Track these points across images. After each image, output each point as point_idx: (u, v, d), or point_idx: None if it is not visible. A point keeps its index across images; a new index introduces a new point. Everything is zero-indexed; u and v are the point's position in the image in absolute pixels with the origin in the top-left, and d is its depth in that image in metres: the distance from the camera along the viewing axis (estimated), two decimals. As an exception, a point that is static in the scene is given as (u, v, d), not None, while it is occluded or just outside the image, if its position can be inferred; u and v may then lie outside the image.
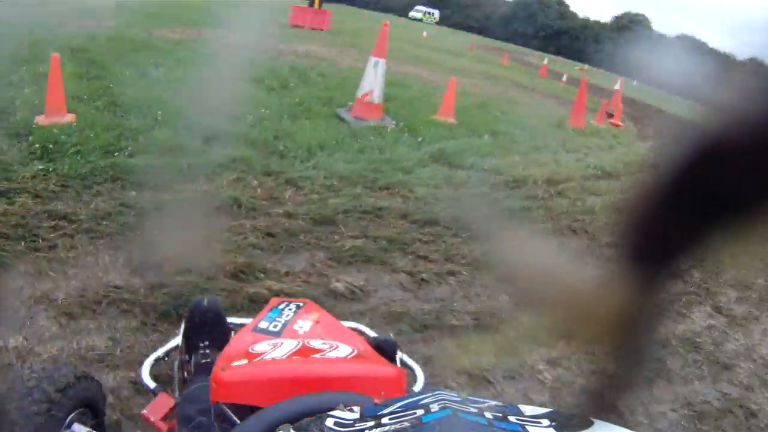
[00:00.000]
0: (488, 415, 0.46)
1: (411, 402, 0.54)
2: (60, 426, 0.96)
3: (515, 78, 14.88)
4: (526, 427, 0.44)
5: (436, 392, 0.54)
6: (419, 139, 5.17)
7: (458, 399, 0.51)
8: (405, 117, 5.88)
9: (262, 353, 0.88)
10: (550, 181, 4.82)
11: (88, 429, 1.03)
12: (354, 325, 1.34)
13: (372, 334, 1.30)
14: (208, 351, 1.17)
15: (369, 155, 4.47)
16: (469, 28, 52.67)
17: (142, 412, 1.10)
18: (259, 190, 3.38)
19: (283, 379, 0.79)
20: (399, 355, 1.23)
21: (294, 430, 0.53)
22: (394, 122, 5.59)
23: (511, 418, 0.45)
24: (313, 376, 0.80)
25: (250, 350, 0.89)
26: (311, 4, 15.77)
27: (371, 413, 0.54)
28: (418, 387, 1.22)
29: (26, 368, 1.04)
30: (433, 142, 5.14)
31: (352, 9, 40.94)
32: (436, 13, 54.12)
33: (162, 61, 6.22)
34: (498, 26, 53.38)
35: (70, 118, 3.90)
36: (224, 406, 0.81)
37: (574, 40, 52.86)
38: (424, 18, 51.85)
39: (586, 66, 36.52)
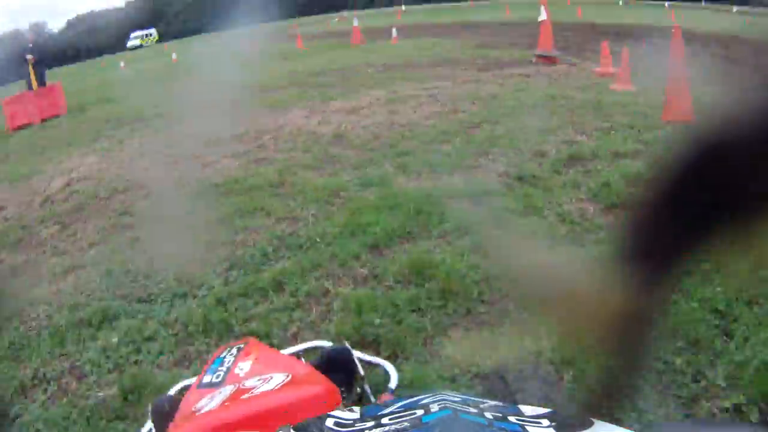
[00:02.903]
0: (488, 415, 0.47)
1: (411, 402, 0.55)
2: None
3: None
4: (526, 427, 0.45)
5: (436, 392, 0.54)
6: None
7: (458, 399, 0.52)
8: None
9: (201, 408, 0.91)
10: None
11: None
12: (310, 344, 1.38)
13: (328, 344, 1.34)
14: None
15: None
16: (192, 32, 45.95)
17: None
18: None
19: (214, 429, 0.81)
20: (364, 357, 1.24)
21: (294, 429, 0.53)
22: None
23: (511, 418, 0.46)
24: (239, 418, 0.83)
25: (193, 409, 0.92)
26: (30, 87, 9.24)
27: (371, 413, 0.55)
28: (393, 383, 1.21)
29: None
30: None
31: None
32: (154, 31, 50.23)
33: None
34: (222, 19, 37.70)
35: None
36: None
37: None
38: (143, 42, 47.37)
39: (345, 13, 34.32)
